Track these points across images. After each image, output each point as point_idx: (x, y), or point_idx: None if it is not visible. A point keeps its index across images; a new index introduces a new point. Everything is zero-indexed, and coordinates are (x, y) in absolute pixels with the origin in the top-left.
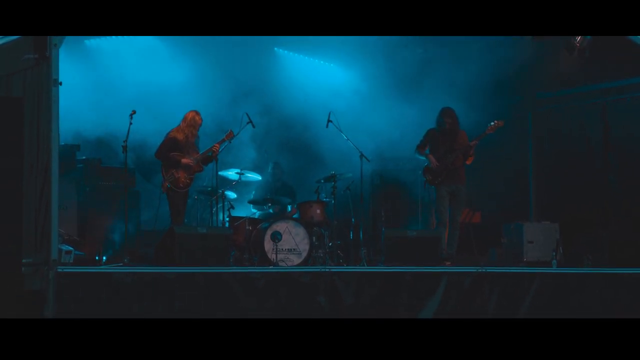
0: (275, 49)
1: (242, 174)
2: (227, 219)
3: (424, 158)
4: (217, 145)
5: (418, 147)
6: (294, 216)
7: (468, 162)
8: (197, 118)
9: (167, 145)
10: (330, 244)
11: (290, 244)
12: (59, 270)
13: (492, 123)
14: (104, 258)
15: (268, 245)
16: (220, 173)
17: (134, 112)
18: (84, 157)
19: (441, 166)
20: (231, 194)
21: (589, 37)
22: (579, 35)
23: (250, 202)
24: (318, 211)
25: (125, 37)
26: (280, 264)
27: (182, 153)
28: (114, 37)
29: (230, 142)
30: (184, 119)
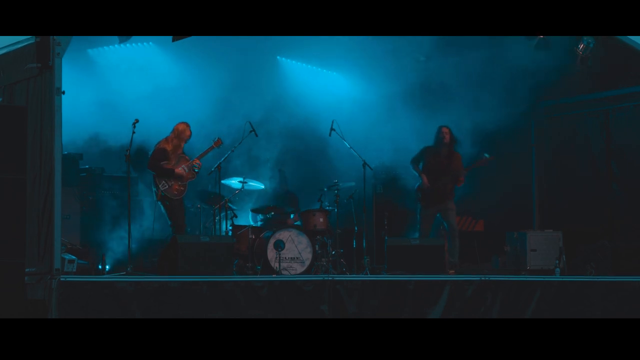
0: (278, 57)
1: (245, 182)
2: (230, 227)
3: (416, 173)
4: (197, 160)
5: (413, 160)
6: (297, 223)
7: (458, 185)
8: (187, 131)
9: (157, 156)
10: (333, 252)
11: (293, 252)
12: (62, 279)
13: (486, 156)
14: (107, 267)
15: (271, 253)
16: (223, 181)
17: (137, 121)
18: (86, 166)
19: (432, 187)
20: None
21: (591, 45)
22: (581, 40)
23: (253, 210)
24: (321, 219)
25: (129, 45)
26: (283, 272)
27: (171, 162)
28: (117, 45)
29: (219, 148)
30: (174, 130)
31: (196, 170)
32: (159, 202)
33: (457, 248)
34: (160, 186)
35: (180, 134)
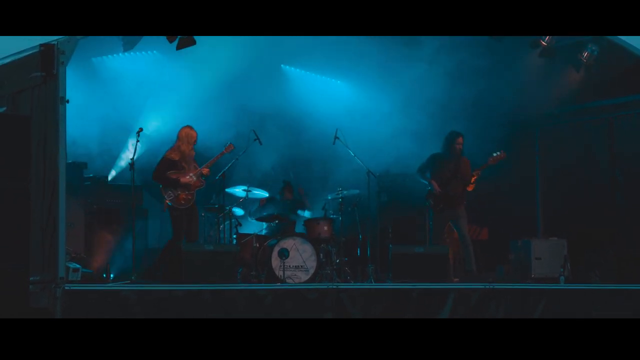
0: (282, 65)
1: (249, 190)
2: (234, 235)
3: (425, 182)
4: (206, 168)
5: (420, 169)
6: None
7: (469, 189)
8: (191, 133)
9: (163, 166)
10: (337, 260)
11: (298, 260)
12: (67, 287)
13: (494, 154)
14: (111, 275)
15: (275, 262)
16: (227, 190)
17: (141, 129)
18: (91, 175)
19: (443, 193)
20: (238, 211)
21: (595, 53)
22: (585, 51)
23: (257, 219)
24: (325, 228)
25: (133, 54)
26: (287, 280)
27: (180, 171)
28: (121, 54)
29: (230, 154)
30: (178, 137)
31: (204, 179)
32: (167, 213)
33: (472, 256)
34: (166, 196)
35: (187, 138)
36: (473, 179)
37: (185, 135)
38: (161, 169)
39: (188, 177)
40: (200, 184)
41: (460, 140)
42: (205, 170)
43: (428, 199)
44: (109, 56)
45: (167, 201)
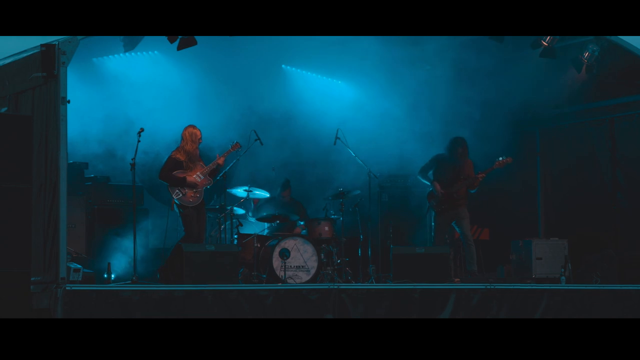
0: (283, 66)
1: (250, 191)
2: (235, 236)
3: (427, 182)
4: (222, 158)
5: (422, 170)
6: (302, 232)
7: (472, 189)
8: (195, 132)
9: (169, 166)
10: (338, 261)
11: (299, 261)
12: (68, 288)
13: (501, 158)
14: (113, 276)
15: (276, 262)
16: (228, 190)
17: (142, 129)
18: (92, 175)
19: (446, 194)
20: (239, 211)
21: (596, 53)
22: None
23: (258, 219)
24: (326, 228)
25: (134, 54)
26: (288, 281)
27: (187, 170)
28: (122, 54)
29: (236, 152)
30: (182, 137)
31: (211, 177)
32: (176, 211)
33: (474, 256)
34: (173, 195)
35: (192, 138)
36: (477, 182)
37: (189, 135)
38: (167, 168)
39: (195, 175)
40: (207, 182)
41: (459, 146)
42: (221, 160)
43: (429, 200)
44: (110, 56)
45: (173, 201)
